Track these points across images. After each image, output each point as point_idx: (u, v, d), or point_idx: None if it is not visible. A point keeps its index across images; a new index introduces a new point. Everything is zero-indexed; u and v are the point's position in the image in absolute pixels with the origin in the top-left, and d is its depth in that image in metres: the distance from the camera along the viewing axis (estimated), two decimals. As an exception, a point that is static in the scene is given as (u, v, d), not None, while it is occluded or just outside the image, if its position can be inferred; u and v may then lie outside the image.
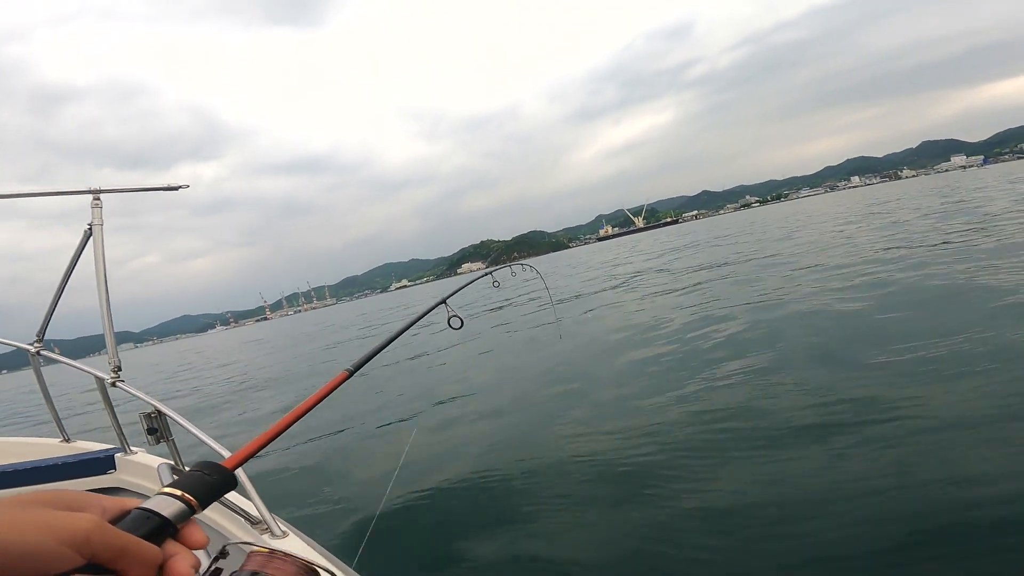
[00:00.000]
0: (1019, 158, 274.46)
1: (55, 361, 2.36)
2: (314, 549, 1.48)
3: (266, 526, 1.56)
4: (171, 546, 0.50)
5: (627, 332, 8.73)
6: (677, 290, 12.53)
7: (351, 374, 1.20)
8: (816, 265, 11.43)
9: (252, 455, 0.75)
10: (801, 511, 2.87)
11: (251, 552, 0.57)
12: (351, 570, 1.41)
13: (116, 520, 0.48)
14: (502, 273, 3.75)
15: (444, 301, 1.81)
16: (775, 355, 5.72)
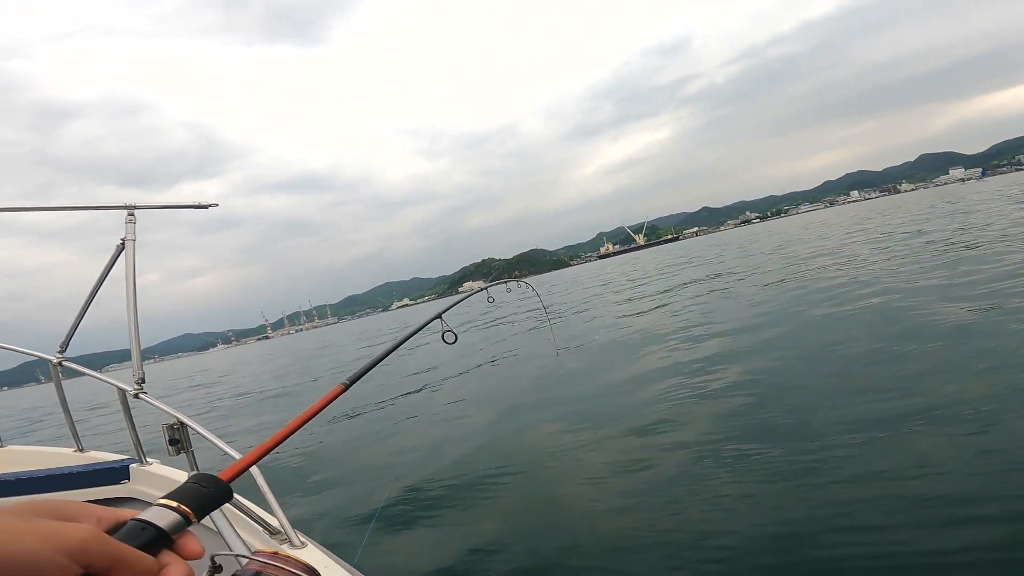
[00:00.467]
0: (1017, 170, 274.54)
1: (78, 373, 2.41)
2: (335, 561, 1.46)
3: (285, 536, 1.57)
4: (166, 556, 0.51)
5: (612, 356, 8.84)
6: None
7: (346, 388, 1.22)
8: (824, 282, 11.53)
9: (249, 466, 0.77)
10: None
11: (254, 552, 0.58)
12: None
13: (112, 530, 0.50)
14: (497, 289, 3.87)
15: (440, 316, 1.85)
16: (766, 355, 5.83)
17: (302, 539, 1.57)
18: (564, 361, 8.83)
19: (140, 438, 2.19)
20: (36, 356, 2.42)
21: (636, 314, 12.94)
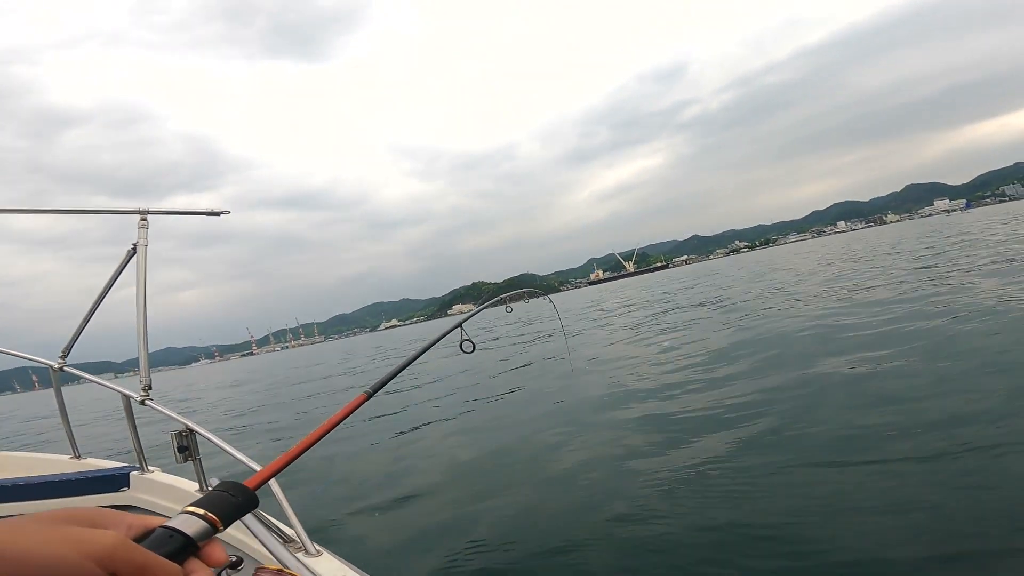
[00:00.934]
0: (1001, 201, 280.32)
1: (80, 379, 2.39)
2: (352, 570, 1.45)
3: (299, 544, 1.55)
4: (192, 564, 0.52)
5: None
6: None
7: (369, 396, 1.21)
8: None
9: (274, 475, 0.78)
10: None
11: (258, 569, 0.58)
12: None
13: (140, 538, 0.51)
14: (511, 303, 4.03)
15: (460, 325, 1.85)
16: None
17: (317, 547, 1.55)
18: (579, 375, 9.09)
19: (142, 445, 2.16)
20: (37, 362, 2.39)
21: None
